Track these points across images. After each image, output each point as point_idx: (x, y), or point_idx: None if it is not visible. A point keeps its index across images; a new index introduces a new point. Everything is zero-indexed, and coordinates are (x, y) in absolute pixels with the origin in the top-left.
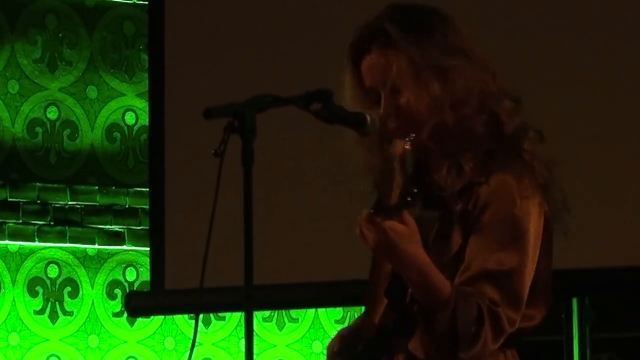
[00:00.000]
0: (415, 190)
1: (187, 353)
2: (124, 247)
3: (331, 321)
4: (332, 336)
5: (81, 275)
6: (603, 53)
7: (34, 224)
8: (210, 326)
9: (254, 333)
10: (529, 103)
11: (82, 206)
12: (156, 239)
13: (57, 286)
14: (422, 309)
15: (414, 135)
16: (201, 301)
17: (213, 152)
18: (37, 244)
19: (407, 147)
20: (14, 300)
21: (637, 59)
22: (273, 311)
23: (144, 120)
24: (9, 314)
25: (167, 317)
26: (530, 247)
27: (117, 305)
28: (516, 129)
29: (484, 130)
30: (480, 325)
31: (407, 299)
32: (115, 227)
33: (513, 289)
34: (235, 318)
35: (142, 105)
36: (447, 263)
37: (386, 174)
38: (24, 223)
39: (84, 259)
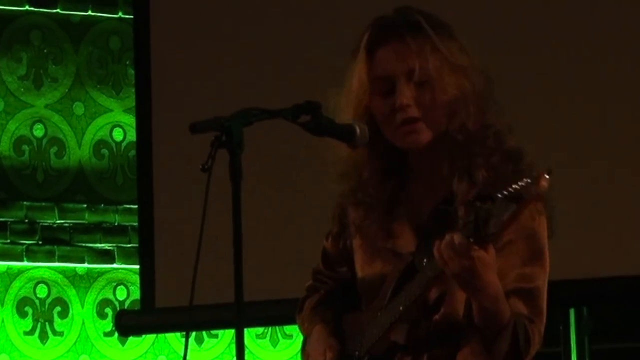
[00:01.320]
0: (497, 221)
1: None
2: (114, 265)
3: None
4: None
5: (71, 295)
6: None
7: (22, 244)
8: (203, 344)
9: (248, 350)
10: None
11: (71, 224)
12: (146, 257)
13: (46, 306)
14: (485, 330)
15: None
16: (191, 319)
17: (200, 167)
18: (25, 263)
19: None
20: (2, 321)
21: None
22: (267, 328)
23: (132, 136)
24: None
25: (159, 335)
26: (547, 261)
27: (108, 324)
28: (517, 147)
29: (494, 142)
30: (528, 344)
31: (415, 315)
32: (105, 246)
33: (539, 304)
34: (229, 335)
35: (130, 121)
36: None
37: (370, 183)
38: (11, 243)
39: (74, 278)
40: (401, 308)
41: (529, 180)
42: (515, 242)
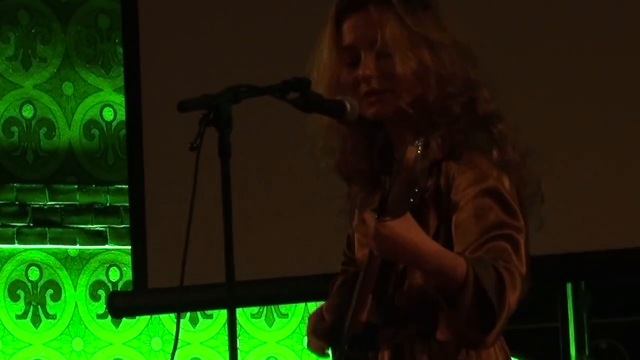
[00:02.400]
0: (417, 190)
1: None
2: (107, 246)
3: None
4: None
5: (63, 277)
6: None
7: (13, 226)
8: (198, 325)
9: (243, 330)
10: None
11: (62, 206)
12: (137, 237)
13: (38, 289)
14: (444, 294)
15: (422, 139)
16: (183, 299)
17: (189, 145)
18: (16, 246)
19: (419, 151)
20: None
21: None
22: (262, 307)
23: (122, 115)
24: None
25: (153, 317)
26: (520, 216)
27: (101, 306)
28: (490, 113)
29: (460, 111)
30: (502, 288)
31: (391, 291)
32: (97, 227)
33: (520, 245)
34: (223, 316)
35: (120, 100)
36: None
37: (355, 156)
38: (2, 225)
39: (66, 260)
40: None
41: (399, 157)
42: (477, 197)
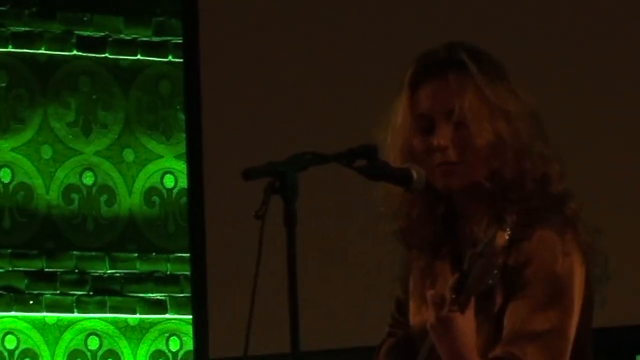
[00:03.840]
0: (496, 272)
1: None
2: (167, 315)
3: None
4: None
5: (123, 347)
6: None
7: (73, 294)
8: None
9: None
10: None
11: (122, 274)
12: (199, 307)
13: (98, 359)
14: None
15: (510, 225)
16: None
17: (254, 214)
18: (76, 315)
19: (507, 237)
20: None
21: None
22: None
23: (184, 182)
24: None
25: None
26: (573, 304)
27: None
28: (563, 191)
29: (534, 187)
30: None
31: None
32: (157, 295)
33: (554, 348)
34: None
35: (181, 167)
36: (489, 322)
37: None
38: (61, 294)
39: (126, 329)
40: None
41: (488, 240)
42: (531, 285)
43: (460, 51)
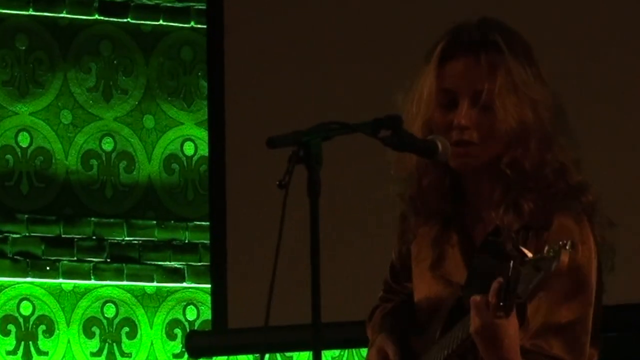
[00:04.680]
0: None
1: None
2: (184, 284)
3: None
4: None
5: (139, 315)
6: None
7: (90, 261)
8: None
9: None
10: None
11: (140, 242)
12: (218, 276)
13: (114, 326)
14: None
15: (569, 242)
16: (267, 340)
17: (277, 183)
18: (92, 282)
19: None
20: (69, 341)
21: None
22: (343, 350)
23: (204, 150)
24: (64, 356)
25: (231, 357)
26: (593, 293)
27: (177, 346)
28: (581, 181)
29: (553, 177)
30: None
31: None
32: (175, 264)
33: (577, 339)
34: (303, 358)
35: (202, 134)
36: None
37: (429, 192)
38: (78, 260)
39: (142, 297)
40: (446, 352)
41: (551, 254)
42: (554, 276)
43: (494, 31)
